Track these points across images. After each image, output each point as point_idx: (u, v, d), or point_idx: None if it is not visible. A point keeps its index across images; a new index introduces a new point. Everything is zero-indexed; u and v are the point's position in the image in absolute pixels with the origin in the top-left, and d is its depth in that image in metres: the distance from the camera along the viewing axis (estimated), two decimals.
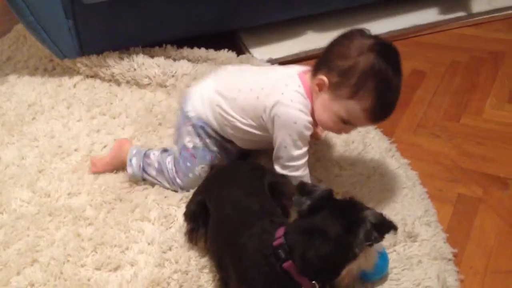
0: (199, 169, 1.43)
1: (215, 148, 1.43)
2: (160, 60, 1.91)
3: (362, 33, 1.25)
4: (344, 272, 1.04)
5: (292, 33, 2.15)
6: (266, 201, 1.23)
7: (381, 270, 1.20)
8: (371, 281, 1.21)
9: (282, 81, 1.31)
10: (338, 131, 1.35)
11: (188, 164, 1.43)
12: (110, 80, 1.92)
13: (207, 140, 1.42)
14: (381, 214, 1.03)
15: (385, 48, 1.23)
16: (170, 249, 1.31)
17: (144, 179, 1.50)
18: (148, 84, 1.88)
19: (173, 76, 1.87)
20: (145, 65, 1.89)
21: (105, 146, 1.65)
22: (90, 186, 1.50)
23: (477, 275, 1.25)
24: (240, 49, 2.10)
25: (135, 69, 1.88)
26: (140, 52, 1.93)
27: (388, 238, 1.30)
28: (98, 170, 1.54)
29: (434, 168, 1.55)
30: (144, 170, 1.48)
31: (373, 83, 1.20)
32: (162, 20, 1.92)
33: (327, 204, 1.05)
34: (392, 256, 1.27)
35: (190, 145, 1.42)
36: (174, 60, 1.94)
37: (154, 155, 1.48)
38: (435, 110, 1.78)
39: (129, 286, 1.24)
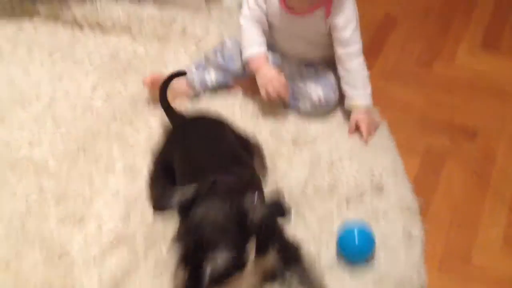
0: None
1: None
2: (125, 2, 1.82)
3: None
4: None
5: None
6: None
7: (363, 252, 1.15)
8: (353, 264, 1.16)
9: None
10: None
11: None
12: (72, 23, 1.83)
13: None
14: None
15: None
16: (135, 201, 1.29)
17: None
18: (112, 28, 1.80)
19: (138, 20, 1.79)
20: (109, 7, 1.80)
21: (67, 94, 1.59)
22: (52, 136, 1.45)
23: (442, 226, 1.27)
24: None
25: (98, 12, 1.79)
26: None
27: (356, 189, 1.31)
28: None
29: (403, 117, 1.53)
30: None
31: None
32: None
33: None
34: (358, 207, 1.27)
35: None
36: (139, 1, 1.85)
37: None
38: (407, 56, 1.76)
39: (93, 239, 1.22)
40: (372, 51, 1.72)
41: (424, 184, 1.36)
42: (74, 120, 1.51)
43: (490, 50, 1.78)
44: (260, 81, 1.45)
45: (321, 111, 1.49)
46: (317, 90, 1.46)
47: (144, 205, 1.28)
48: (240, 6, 1.90)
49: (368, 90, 1.44)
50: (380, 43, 1.80)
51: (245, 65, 1.50)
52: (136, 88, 1.58)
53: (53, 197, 1.30)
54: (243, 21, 1.50)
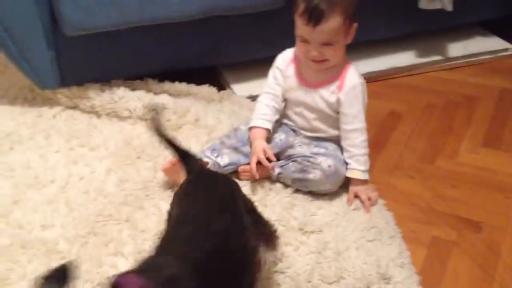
0: None
1: None
2: (141, 93, 1.92)
3: None
4: None
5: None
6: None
7: None
8: None
9: None
10: (306, 53, 1.49)
11: None
12: (90, 112, 1.92)
13: None
14: None
15: None
16: None
17: None
18: (128, 117, 1.89)
19: (153, 110, 1.87)
20: (126, 98, 1.90)
21: (81, 178, 1.64)
22: (64, 219, 1.49)
23: None
24: (221, 85, 2.12)
25: (115, 102, 1.89)
26: (121, 85, 1.94)
27: (363, 279, 1.31)
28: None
29: (408, 209, 1.56)
30: None
31: None
32: (143, 54, 1.95)
33: None
34: None
35: None
36: (155, 93, 1.96)
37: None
38: (410, 152, 1.81)
39: None
40: (376, 146, 1.78)
41: (430, 276, 1.36)
42: (86, 203, 1.54)
43: (491, 149, 1.83)
44: (252, 150, 1.59)
45: (330, 181, 1.53)
46: (327, 161, 1.53)
47: None
48: (249, 98, 2.02)
49: (367, 167, 1.56)
50: (384, 138, 1.87)
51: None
52: (148, 174, 1.63)
53: None
54: (260, 97, 1.66)
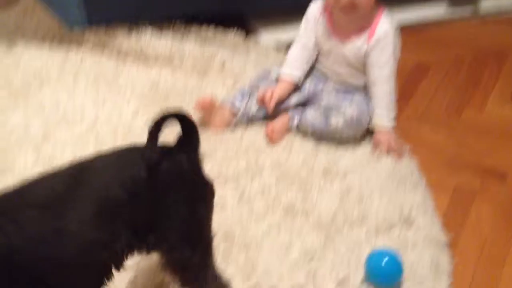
0: None
1: None
2: (168, 37, 1.92)
3: None
4: None
5: (299, 16, 2.16)
6: None
7: (390, 277, 1.16)
8: None
9: None
10: (337, 1, 1.45)
11: None
12: (117, 54, 1.93)
13: None
14: None
15: None
16: None
17: None
18: (155, 61, 1.90)
19: (180, 54, 1.88)
20: (153, 41, 1.90)
21: (109, 119, 1.66)
22: None
23: (470, 261, 1.28)
24: (248, 32, 2.11)
25: (142, 45, 1.89)
26: (148, 28, 1.93)
27: (385, 221, 1.33)
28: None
29: (433, 157, 1.57)
30: None
31: None
32: None
33: None
34: (387, 237, 1.29)
35: None
36: (182, 37, 1.95)
37: None
38: (437, 103, 1.81)
39: None
40: (403, 96, 1.77)
41: (453, 220, 1.37)
42: (114, 142, 1.57)
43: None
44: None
45: (352, 130, 1.54)
46: (352, 107, 1.53)
47: None
48: (276, 46, 2.01)
49: (392, 114, 1.55)
50: (411, 89, 1.86)
51: None
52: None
53: None
54: (293, 46, 1.64)
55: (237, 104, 1.62)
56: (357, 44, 1.53)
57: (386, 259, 1.16)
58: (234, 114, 1.61)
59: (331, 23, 1.56)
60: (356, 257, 1.23)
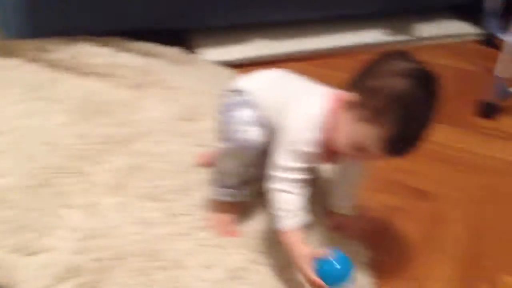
0: None
1: None
2: (106, 51, 1.90)
3: (404, 55, 1.12)
4: None
5: (241, 38, 2.19)
6: None
7: (340, 278, 1.11)
8: None
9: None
10: (352, 157, 1.17)
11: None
12: (52, 66, 1.89)
13: None
14: None
15: (423, 74, 1.08)
16: (90, 237, 1.30)
17: None
18: (91, 74, 1.87)
19: (117, 67, 1.86)
20: (90, 54, 1.88)
21: (39, 130, 1.60)
22: (17, 169, 1.46)
23: (392, 280, 1.30)
24: (188, 48, 2.11)
25: (79, 57, 1.87)
26: (87, 41, 1.91)
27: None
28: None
29: None
30: None
31: (398, 111, 1.04)
32: (111, 10, 1.93)
33: None
34: None
35: None
36: (120, 52, 1.94)
37: None
38: None
39: (44, 272, 1.21)
40: None
41: (376, 239, 1.40)
42: (41, 155, 1.52)
43: (444, 124, 1.85)
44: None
45: None
46: None
47: (100, 242, 1.29)
48: (216, 63, 2.02)
49: None
50: None
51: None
52: (106, 130, 1.62)
53: (10, 229, 1.30)
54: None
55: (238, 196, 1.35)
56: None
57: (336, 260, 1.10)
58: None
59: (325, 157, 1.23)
60: (284, 277, 1.24)
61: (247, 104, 1.26)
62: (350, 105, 1.11)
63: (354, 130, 1.09)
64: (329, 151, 1.19)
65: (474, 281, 1.32)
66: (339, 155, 1.20)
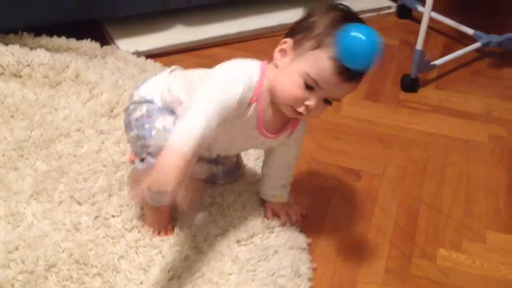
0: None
1: None
2: (15, 48, 1.78)
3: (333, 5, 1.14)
4: None
5: (160, 25, 2.12)
6: None
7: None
8: None
9: None
10: (302, 100, 1.09)
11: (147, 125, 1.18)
12: None
13: None
14: None
15: (351, 13, 1.12)
16: (16, 249, 1.22)
17: None
18: (1, 74, 1.75)
19: (28, 65, 1.74)
20: None
21: None
22: None
23: (329, 263, 1.31)
24: (104, 40, 2.02)
25: None
26: None
27: (247, 230, 1.32)
28: None
29: None
30: None
31: (339, 29, 1.04)
32: (17, 5, 1.80)
33: None
34: (249, 248, 1.28)
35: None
36: (31, 48, 1.82)
37: None
38: None
39: None
40: None
41: (312, 222, 1.40)
42: None
43: (372, 101, 1.91)
44: None
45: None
46: None
47: (26, 253, 1.21)
48: (135, 54, 1.95)
49: None
50: None
51: None
52: (23, 133, 1.53)
53: None
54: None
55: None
56: (272, 143, 1.27)
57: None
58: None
59: (261, 119, 1.18)
60: (217, 270, 1.22)
61: (162, 110, 1.19)
62: (283, 53, 1.12)
63: (302, 64, 1.07)
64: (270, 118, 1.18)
65: (411, 257, 1.34)
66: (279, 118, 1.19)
